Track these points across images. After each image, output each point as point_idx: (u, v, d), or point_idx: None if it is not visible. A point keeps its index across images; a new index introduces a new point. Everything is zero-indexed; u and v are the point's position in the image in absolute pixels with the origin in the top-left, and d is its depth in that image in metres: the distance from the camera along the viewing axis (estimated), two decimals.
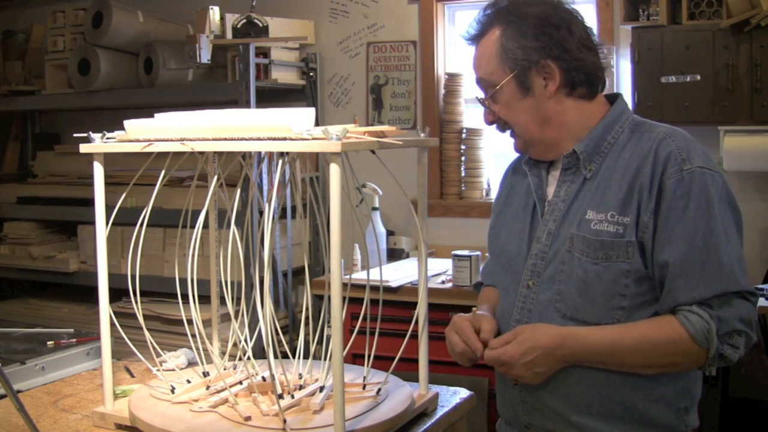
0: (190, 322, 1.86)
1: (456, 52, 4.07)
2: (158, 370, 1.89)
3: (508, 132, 1.68)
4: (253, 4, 3.69)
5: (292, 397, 1.71)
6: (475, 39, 1.66)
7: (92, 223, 1.77)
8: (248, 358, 1.84)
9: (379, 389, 1.76)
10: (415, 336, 1.80)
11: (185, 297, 1.84)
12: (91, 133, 1.71)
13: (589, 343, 1.50)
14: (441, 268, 3.50)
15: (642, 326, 1.49)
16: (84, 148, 1.72)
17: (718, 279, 1.45)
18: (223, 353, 1.97)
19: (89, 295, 4.03)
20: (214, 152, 1.88)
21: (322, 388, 1.74)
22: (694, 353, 1.46)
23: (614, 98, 1.66)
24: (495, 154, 3.97)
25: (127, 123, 1.71)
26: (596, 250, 1.51)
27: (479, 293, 1.92)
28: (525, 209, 1.68)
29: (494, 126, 1.69)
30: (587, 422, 1.54)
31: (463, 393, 1.93)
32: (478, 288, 1.95)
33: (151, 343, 1.85)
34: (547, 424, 1.58)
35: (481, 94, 1.68)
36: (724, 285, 1.45)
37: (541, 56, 1.56)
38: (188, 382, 1.84)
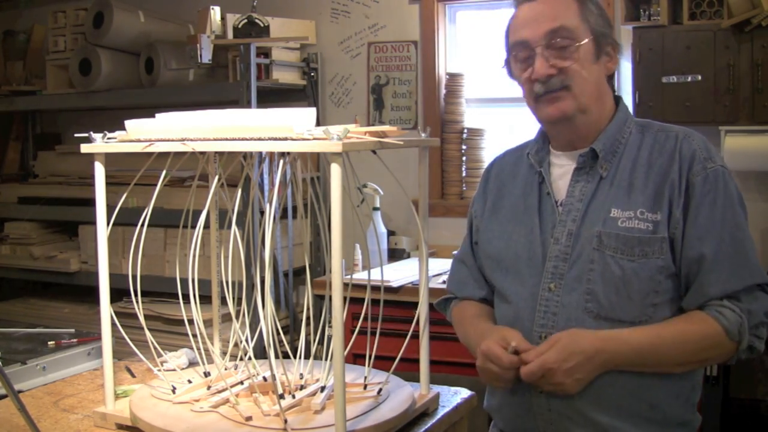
0: (191, 322, 1.86)
1: (457, 52, 4.07)
2: (159, 370, 1.89)
3: (548, 93, 1.57)
4: (254, 4, 3.69)
5: (293, 397, 1.71)
6: None
7: (93, 223, 1.77)
8: (249, 358, 1.84)
9: (380, 389, 1.76)
10: (416, 336, 1.80)
11: (186, 297, 1.84)
12: (92, 133, 1.71)
13: (630, 343, 1.48)
14: (442, 268, 3.49)
15: (678, 323, 1.51)
16: (85, 148, 1.72)
17: (747, 272, 1.49)
18: (224, 353, 1.98)
19: (90, 295, 4.03)
20: (215, 152, 1.88)
21: (323, 388, 1.74)
22: (726, 347, 1.48)
23: (616, 100, 1.66)
24: (496, 154, 3.97)
25: (128, 123, 1.71)
26: (632, 247, 1.50)
27: (450, 310, 1.85)
28: (527, 211, 1.65)
29: (539, 85, 1.56)
30: (617, 424, 1.53)
31: (464, 393, 1.93)
32: (445, 305, 1.88)
33: (152, 343, 1.85)
34: (572, 429, 1.56)
35: (539, 43, 1.56)
36: (753, 278, 1.48)
37: (610, 33, 1.61)
38: (189, 382, 1.84)
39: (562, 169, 1.64)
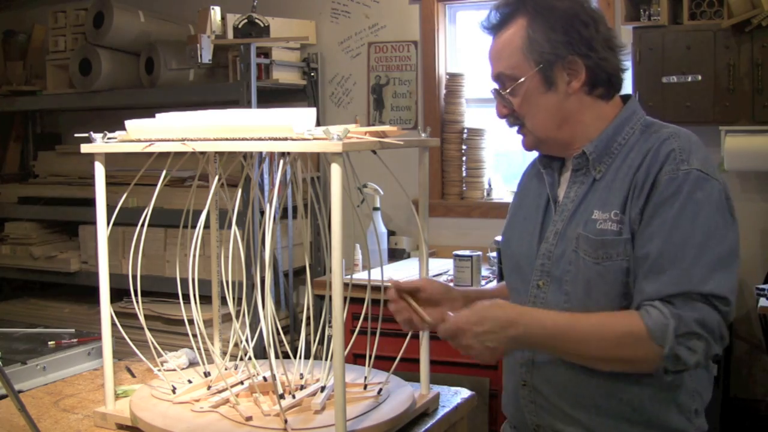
0: (191, 322, 1.86)
1: (457, 52, 4.07)
2: (159, 370, 1.90)
3: (515, 128, 1.63)
4: (255, 4, 3.69)
5: (293, 397, 1.71)
6: (496, 29, 1.61)
7: (93, 223, 1.77)
8: (249, 358, 1.84)
9: (380, 389, 1.76)
10: (416, 336, 1.80)
11: (186, 297, 1.84)
12: (92, 133, 1.71)
13: (545, 323, 1.46)
14: (442, 268, 3.50)
15: (602, 315, 1.47)
16: (85, 148, 1.72)
17: (686, 278, 1.41)
18: (224, 353, 1.98)
19: (90, 295, 4.03)
20: (216, 152, 1.88)
21: (323, 388, 1.74)
22: (648, 349, 1.41)
23: (626, 98, 1.64)
24: (496, 154, 3.97)
25: (128, 123, 1.71)
26: (597, 250, 1.49)
27: None
28: (537, 210, 1.66)
29: (505, 120, 1.63)
30: (596, 420, 1.53)
31: (464, 393, 1.93)
32: None
33: (152, 343, 1.85)
34: (556, 425, 1.56)
35: (495, 85, 1.62)
36: (691, 284, 1.41)
37: (568, 51, 1.53)
38: (189, 382, 1.84)
39: (569, 171, 1.64)
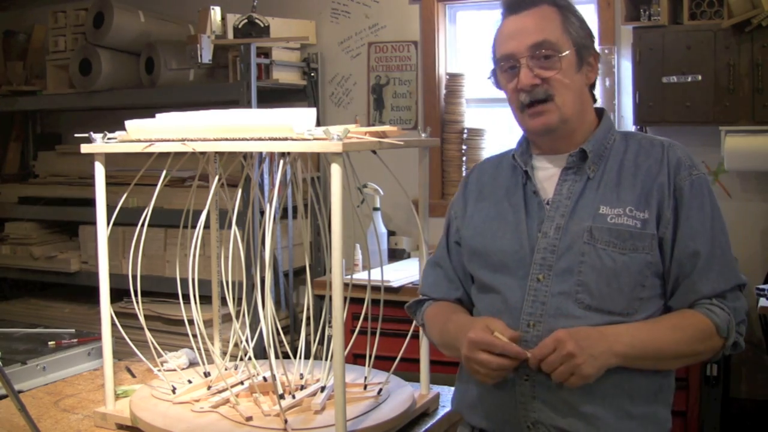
0: (191, 322, 1.86)
1: (457, 52, 4.07)
2: (159, 371, 1.90)
3: (532, 105, 1.62)
4: (255, 4, 3.69)
5: (294, 397, 1.71)
6: (523, 6, 1.65)
7: (93, 223, 1.78)
8: (249, 359, 1.84)
9: (381, 389, 1.76)
10: (416, 336, 1.80)
11: (186, 297, 1.84)
12: (92, 133, 1.71)
13: (629, 329, 1.53)
14: None
15: (671, 317, 1.58)
16: (85, 148, 1.72)
17: (732, 273, 1.58)
18: (224, 353, 1.98)
19: (90, 295, 4.03)
20: (216, 152, 1.88)
21: (323, 389, 1.74)
22: (715, 342, 1.55)
23: (600, 112, 1.73)
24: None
25: (128, 123, 1.71)
26: (624, 241, 1.57)
27: (423, 312, 1.78)
28: (512, 209, 1.68)
29: (525, 92, 1.62)
30: (599, 413, 1.54)
31: None
32: (416, 308, 1.81)
33: (152, 343, 1.85)
34: (558, 420, 1.57)
35: (520, 60, 1.61)
36: (736, 279, 1.59)
37: (591, 45, 1.67)
38: (189, 382, 1.84)
39: (545, 171, 1.69)
